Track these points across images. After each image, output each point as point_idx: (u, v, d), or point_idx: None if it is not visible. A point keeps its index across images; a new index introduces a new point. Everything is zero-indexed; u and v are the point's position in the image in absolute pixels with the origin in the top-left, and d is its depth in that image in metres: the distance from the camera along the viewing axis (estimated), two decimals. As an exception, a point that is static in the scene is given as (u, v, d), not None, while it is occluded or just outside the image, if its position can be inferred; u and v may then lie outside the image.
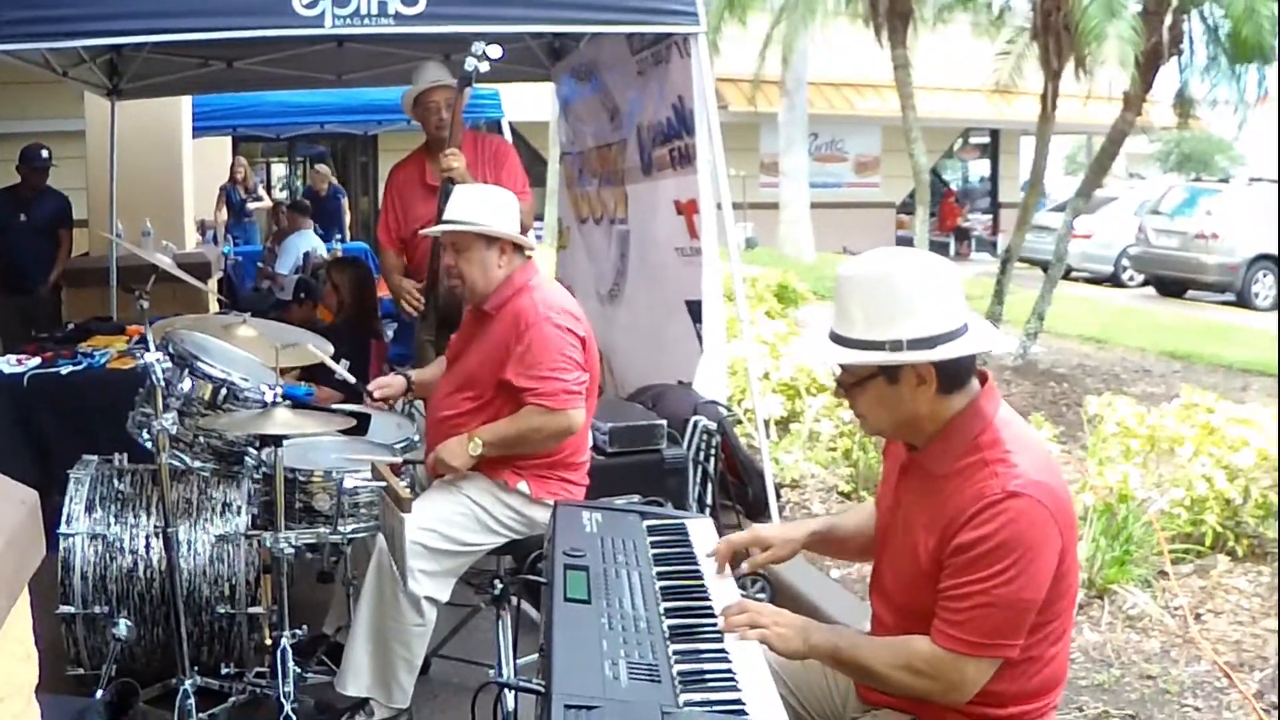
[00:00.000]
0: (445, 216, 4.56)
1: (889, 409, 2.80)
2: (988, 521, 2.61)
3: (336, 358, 4.99)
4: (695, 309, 6.79)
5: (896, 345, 2.69)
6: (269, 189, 15.86)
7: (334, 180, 16.64)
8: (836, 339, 2.80)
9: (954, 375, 2.75)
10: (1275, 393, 9.19)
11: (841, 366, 2.84)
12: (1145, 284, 22.78)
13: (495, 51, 5.68)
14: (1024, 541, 2.60)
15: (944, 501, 2.72)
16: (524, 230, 4.75)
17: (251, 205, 15.59)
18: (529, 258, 4.64)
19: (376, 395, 4.85)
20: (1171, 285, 21.66)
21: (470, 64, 5.68)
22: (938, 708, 2.78)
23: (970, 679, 2.67)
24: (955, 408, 2.77)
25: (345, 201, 16.52)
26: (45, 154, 9.92)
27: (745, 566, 3.18)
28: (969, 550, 2.63)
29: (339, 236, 14.37)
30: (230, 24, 5.86)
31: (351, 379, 4.89)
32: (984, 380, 2.83)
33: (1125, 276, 23.37)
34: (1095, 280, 23.52)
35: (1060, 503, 2.68)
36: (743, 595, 2.99)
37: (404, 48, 8.25)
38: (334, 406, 4.87)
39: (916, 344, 2.68)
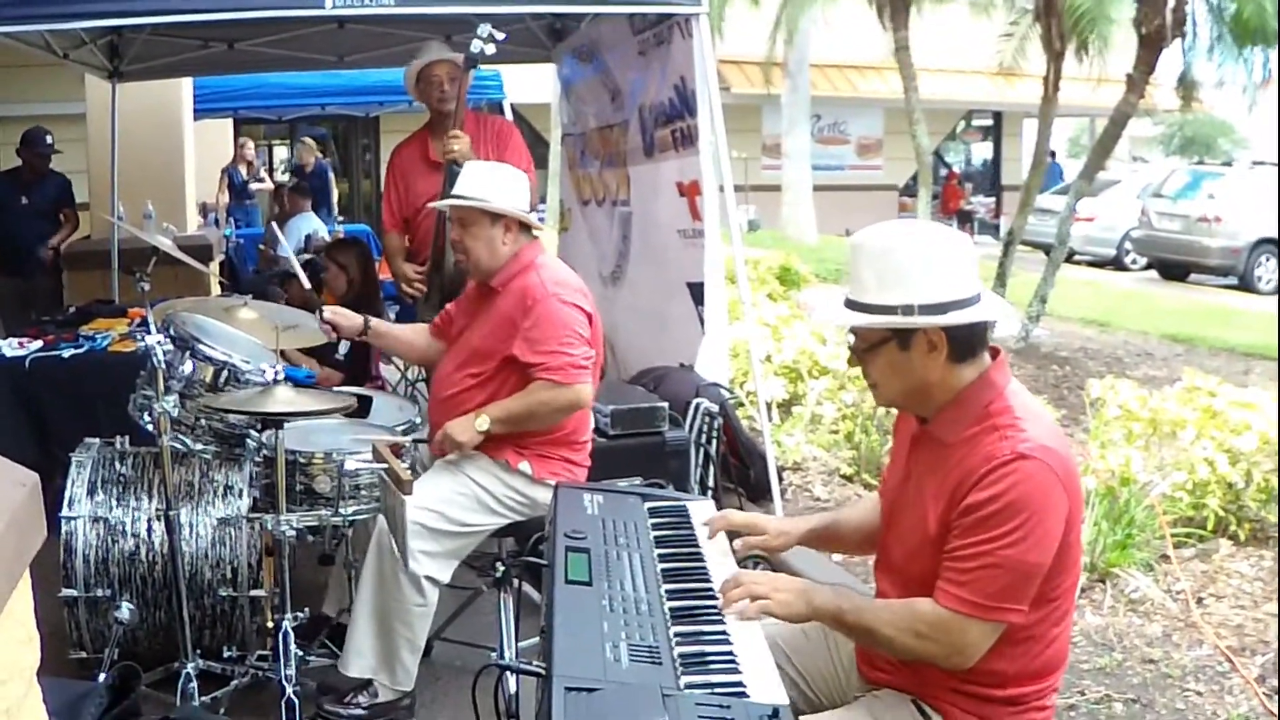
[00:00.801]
0: (455, 191, 4.56)
1: (901, 375, 2.81)
2: (997, 482, 2.62)
3: (341, 338, 4.99)
4: (697, 291, 6.78)
5: (908, 309, 2.70)
6: (270, 171, 15.81)
7: (320, 155, 16.59)
8: (850, 304, 2.82)
9: (966, 344, 2.77)
10: (1276, 376, 9.19)
11: (854, 333, 2.86)
12: (1148, 267, 22.77)
13: (500, 34, 5.67)
14: (1032, 503, 2.60)
15: (954, 467, 2.73)
16: (531, 209, 4.74)
17: (254, 187, 15.57)
18: (535, 237, 4.64)
19: (327, 315, 4.76)
20: (1174, 268, 21.64)
21: (476, 45, 5.67)
22: (938, 688, 2.78)
23: (973, 642, 2.67)
24: (967, 379, 2.78)
25: (332, 176, 16.46)
26: (49, 139, 9.90)
27: (738, 544, 3.17)
28: (977, 510, 2.64)
29: (327, 212, 14.35)
30: (232, 5, 5.85)
31: (306, 283, 4.87)
32: (995, 355, 2.85)
33: (1128, 260, 23.35)
34: (1098, 263, 23.51)
35: (1069, 471, 2.69)
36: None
37: (405, 28, 8.23)
38: (336, 389, 4.85)
39: (928, 309, 2.70)
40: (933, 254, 2.74)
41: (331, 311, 4.81)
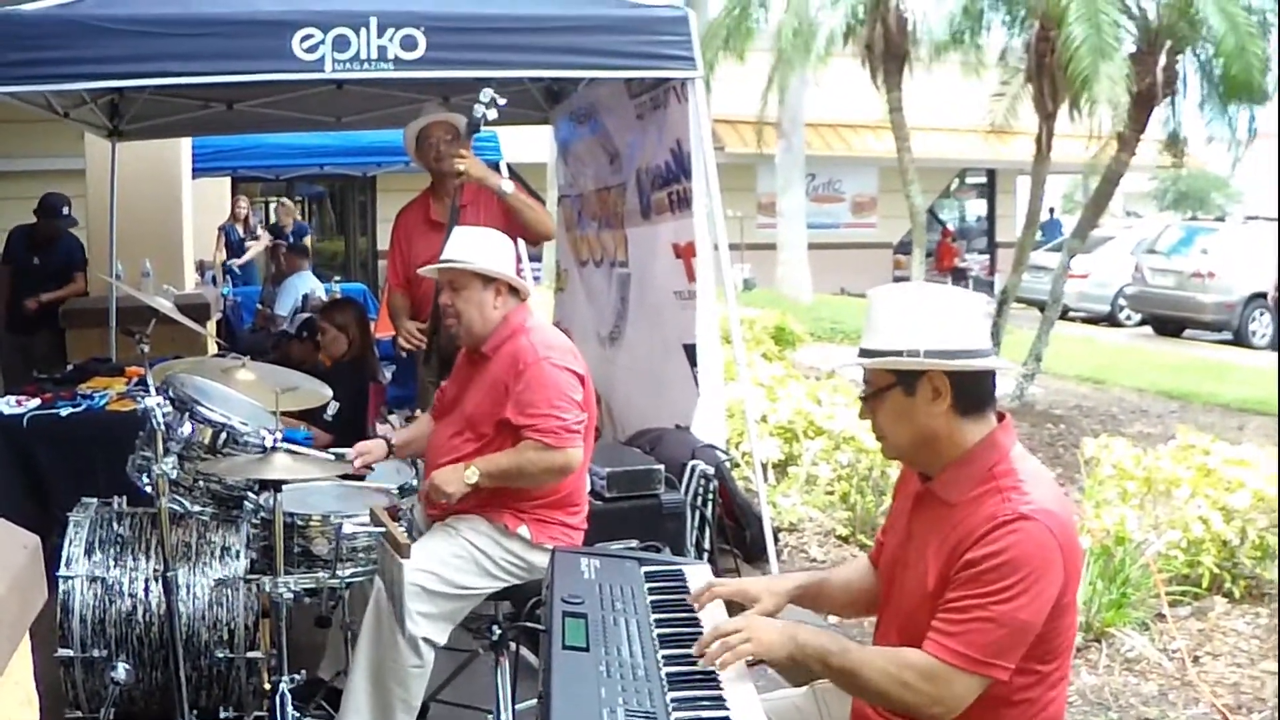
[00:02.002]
0: (444, 256, 4.59)
1: (907, 423, 2.86)
2: (997, 540, 2.66)
3: (340, 398, 5.02)
4: (692, 352, 6.81)
5: (913, 353, 2.77)
6: (270, 229, 15.84)
7: (298, 217, 16.63)
8: (861, 353, 2.89)
9: (971, 396, 2.82)
10: (1273, 433, 9.22)
11: (864, 380, 2.92)
12: (1142, 323, 22.84)
13: (503, 100, 5.73)
14: (1029, 563, 2.63)
15: (955, 525, 2.76)
16: (519, 269, 4.77)
17: (249, 245, 15.60)
18: (524, 301, 4.66)
19: (358, 464, 4.82)
20: (1169, 324, 21.71)
21: (479, 110, 5.72)
22: None
23: (958, 695, 2.68)
24: (973, 437, 2.83)
25: (309, 239, 16.49)
26: (65, 210, 9.91)
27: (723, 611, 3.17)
28: (976, 565, 2.67)
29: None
30: (231, 68, 5.89)
31: (332, 458, 4.87)
32: (1001, 418, 2.89)
33: (1122, 316, 23.42)
34: (1092, 320, 23.56)
35: (1069, 536, 2.72)
36: None
37: (403, 90, 8.29)
38: (333, 451, 4.86)
39: (933, 353, 2.77)
40: (943, 306, 2.83)
41: (358, 455, 4.83)
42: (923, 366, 2.78)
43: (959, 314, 2.83)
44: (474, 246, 4.55)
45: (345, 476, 4.78)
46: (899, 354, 2.79)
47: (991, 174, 31.32)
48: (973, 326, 2.84)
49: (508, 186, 6.09)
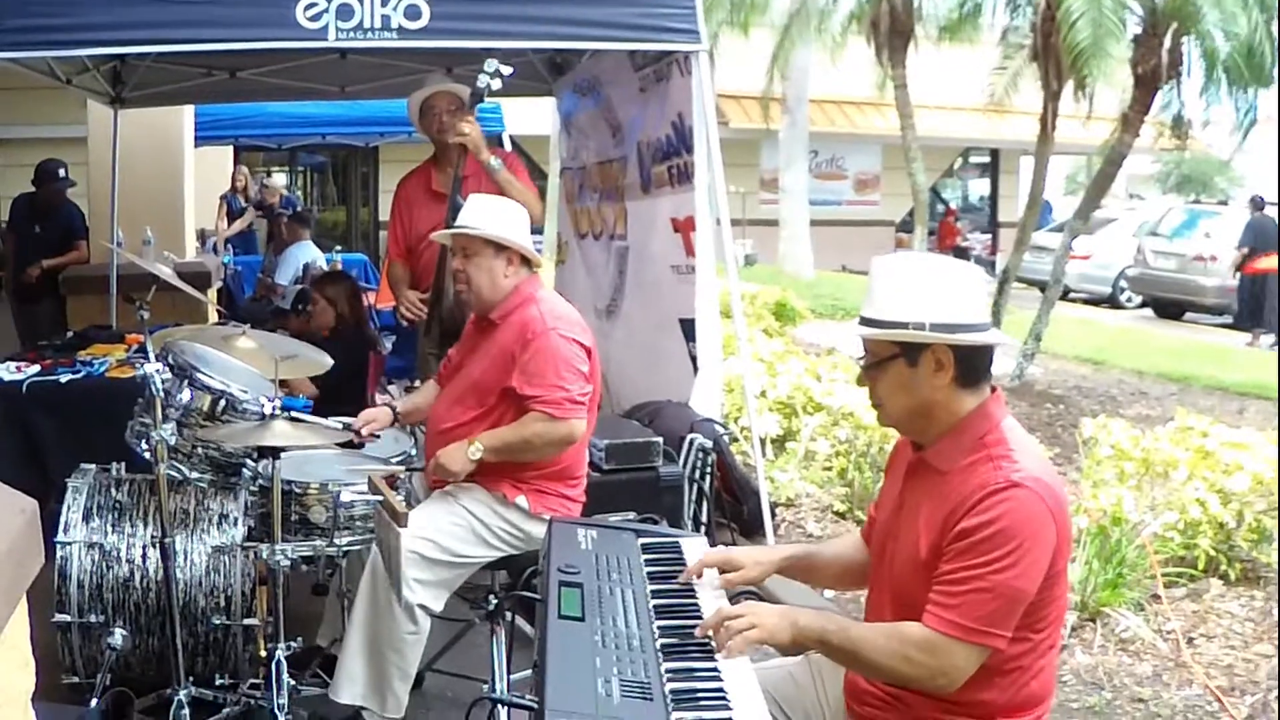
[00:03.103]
0: (459, 221, 4.59)
1: (907, 393, 2.87)
2: (990, 508, 2.68)
3: (336, 368, 5.02)
4: (689, 327, 6.80)
5: (919, 325, 2.78)
6: (256, 206, 15.77)
7: (285, 192, 16.57)
8: (863, 321, 2.89)
9: (971, 369, 2.84)
10: (1274, 415, 9.22)
11: (864, 350, 2.93)
12: (1143, 305, 22.84)
13: (507, 69, 5.72)
14: (1022, 530, 2.66)
15: (947, 494, 2.79)
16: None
17: (245, 218, 15.56)
18: (535, 271, 4.67)
19: (365, 432, 4.84)
20: (1169, 307, 21.70)
21: (483, 80, 5.72)
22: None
23: (959, 666, 2.70)
24: (967, 407, 2.85)
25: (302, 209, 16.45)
26: (62, 172, 9.94)
27: (719, 580, 3.18)
28: (969, 535, 2.69)
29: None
30: (234, 35, 5.89)
31: (339, 426, 4.87)
32: (992, 390, 2.91)
33: (1123, 298, 23.39)
34: (1093, 301, 23.55)
35: (1059, 503, 2.74)
36: None
37: (406, 60, 8.28)
38: (339, 420, 4.86)
39: (939, 327, 2.78)
40: (947, 279, 2.84)
41: (364, 423, 4.83)
42: (928, 340, 2.79)
43: (962, 287, 2.84)
44: (489, 214, 4.55)
45: (344, 445, 4.78)
46: (904, 326, 2.79)
47: (995, 154, 31.29)
48: (975, 299, 2.87)
49: (496, 163, 6.07)
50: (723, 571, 3.17)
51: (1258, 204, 20.67)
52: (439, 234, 5.02)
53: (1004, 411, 2.90)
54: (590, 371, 4.49)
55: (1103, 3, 10.66)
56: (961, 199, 33.48)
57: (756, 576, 3.21)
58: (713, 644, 2.78)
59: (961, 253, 28.97)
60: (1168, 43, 11.60)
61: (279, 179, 17.09)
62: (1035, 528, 2.67)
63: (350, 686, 4.33)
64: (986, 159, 32.12)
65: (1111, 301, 23.50)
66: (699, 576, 3.14)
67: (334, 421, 4.83)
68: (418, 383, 6.27)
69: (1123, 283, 23.36)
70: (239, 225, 15.32)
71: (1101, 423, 7.28)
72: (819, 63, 20.53)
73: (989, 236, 31.30)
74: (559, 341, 4.38)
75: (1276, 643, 5.57)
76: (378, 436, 4.93)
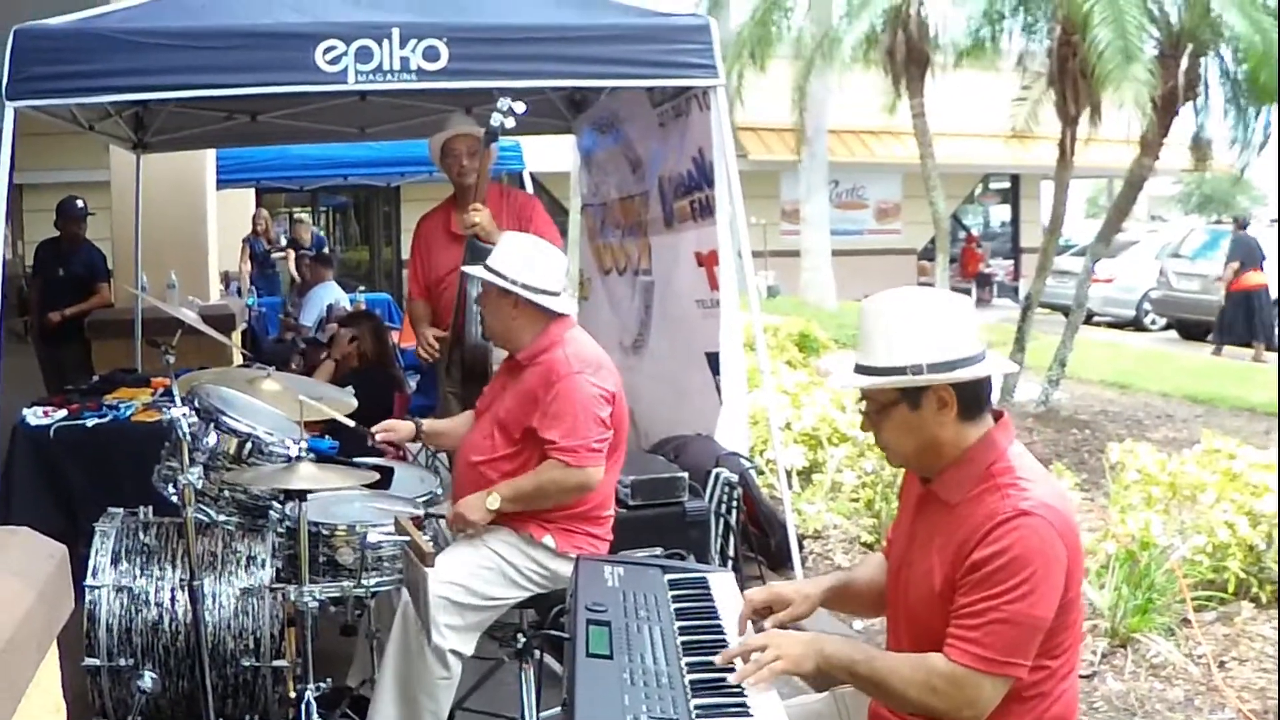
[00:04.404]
0: (487, 263, 4.59)
1: (913, 434, 2.88)
2: (1001, 538, 2.68)
3: (360, 407, 5.04)
4: (715, 361, 6.81)
5: (917, 369, 2.79)
6: (290, 244, 15.96)
7: (316, 230, 16.74)
8: (860, 369, 2.90)
9: (974, 400, 2.85)
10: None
11: (865, 397, 2.94)
12: (1167, 327, 22.78)
13: (520, 107, 5.74)
14: (1035, 559, 2.67)
15: (957, 526, 2.79)
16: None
17: (276, 256, 15.69)
18: (560, 315, 4.64)
19: (380, 437, 4.87)
20: (1193, 328, 21.59)
21: (496, 119, 5.74)
22: None
23: (986, 698, 2.71)
24: (972, 438, 2.86)
25: (326, 249, 16.58)
26: (80, 204, 10.08)
27: (767, 624, 3.17)
28: (983, 567, 2.69)
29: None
30: (255, 80, 5.92)
31: (351, 423, 4.90)
32: (999, 417, 2.92)
33: (1147, 320, 23.35)
34: (1117, 324, 23.50)
35: (1069, 527, 2.75)
36: None
37: (426, 101, 8.32)
38: (357, 460, 4.89)
39: (936, 367, 2.78)
40: (937, 315, 2.84)
41: (382, 430, 4.87)
42: (929, 382, 2.80)
43: (953, 320, 2.85)
44: (510, 257, 4.54)
45: (370, 486, 4.80)
46: (902, 371, 2.80)
47: (1015, 179, 31.28)
48: (967, 331, 2.86)
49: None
50: (771, 609, 3.16)
51: (1241, 223, 21.00)
52: (470, 269, 5.02)
53: (1010, 438, 2.90)
54: (613, 416, 4.50)
55: (1124, 25, 10.64)
56: (983, 225, 33.50)
57: (806, 612, 3.21)
58: (732, 680, 2.77)
59: (984, 279, 29.00)
60: (1185, 64, 11.60)
61: (307, 216, 17.25)
62: (1047, 555, 2.68)
63: (383, 729, 4.34)
64: (1007, 184, 32.11)
65: (1136, 324, 23.45)
66: (751, 623, 3.12)
67: (361, 461, 4.85)
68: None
69: (1146, 305, 23.32)
70: (281, 263, 15.48)
71: (1128, 447, 7.26)
72: (836, 93, 20.58)
73: (1011, 262, 31.28)
74: (582, 386, 4.38)
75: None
76: (401, 453, 4.94)
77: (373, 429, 4.87)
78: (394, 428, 4.93)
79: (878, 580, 3.28)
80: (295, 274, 14.87)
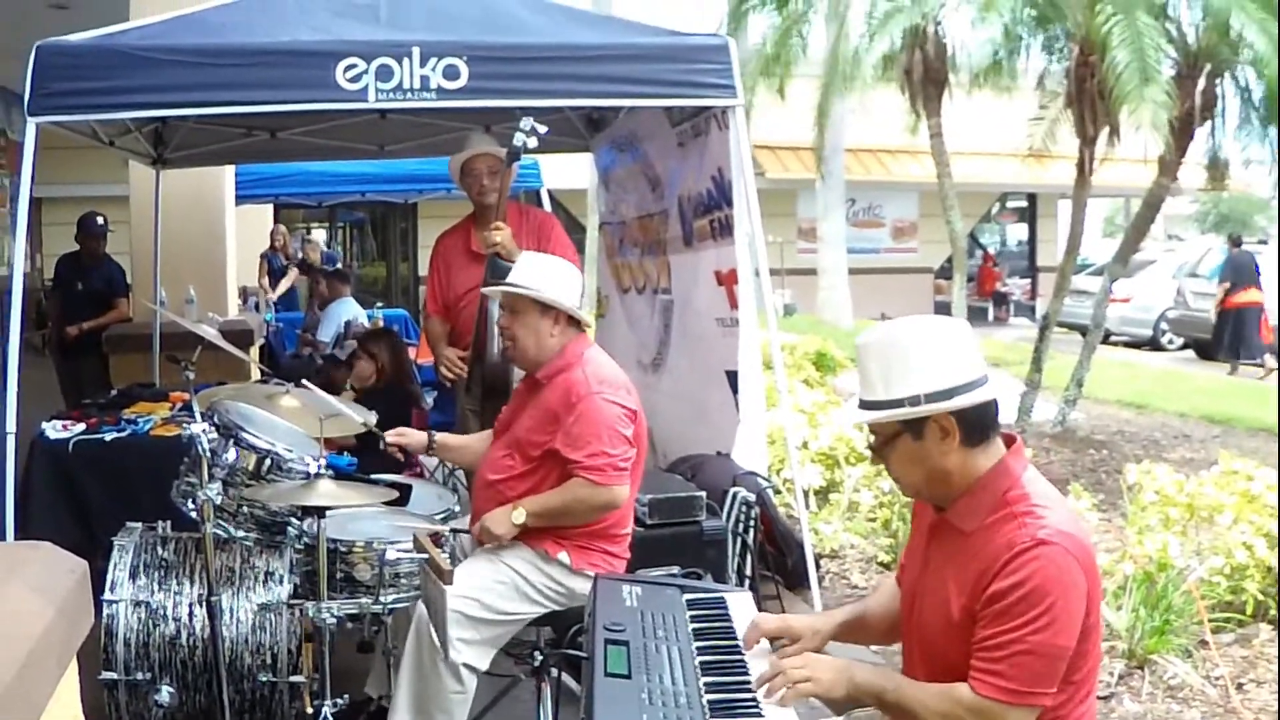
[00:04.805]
0: (508, 279, 4.62)
1: (919, 464, 2.89)
2: (1019, 569, 2.69)
3: (378, 423, 5.05)
4: (734, 379, 6.81)
5: (915, 400, 2.81)
6: (299, 265, 15.99)
7: (326, 249, 16.78)
8: (862, 404, 2.93)
9: (977, 426, 2.86)
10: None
11: (870, 431, 2.97)
12: (1184, 347, 22.71)
13: (543, 128, 5.76)
14: (1055, 588, 2.67)
15: (973, 556, 2.80)
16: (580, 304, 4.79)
17: (287, 277, 15.73)
18: (583, 331, 4.68)
19: (391, 440, 4.88)
20: (1211, 348, 21.52)
21: (519, 139, 5.75)
22: None
23: None
24: (983, 466, 2.86)
25: (340, 265, 16.64)
26: (100, 220, 10.15)
27: (774, 656, 3.18)
28: (1003, 598, 2.70)
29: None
30: (275, 97, 5.95)
31: (369, 424, 4.91)
32: (1010, 442, 2.93)
33: (1165, 340, 23.31)
34: (1135, 344, 23.44)
35: (1086, 555, 2.76)
36: None
37: (446, 119, 8.35)
38: (375, 477, 4.90)
39: (934, 396, 2.80)
40: (933, 344, 2.86)
41: (394, 435, 4.89)
42: (927, 413, 2.81)
43: (950, 347, 2.86)
44: (539, 273, 4.57)
45: (389, 503, 4.81)
46: (900, 404, 2.82)
47: (1032, 198, 31.24)
48: (966, 356, 2.87)
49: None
50: (779, 640, 3.17)
51: (1235, 241, 21.22)
52: (490, 289, 5.04)
53: (1024, 464, 2.91)
54: (635, 434, 4.51)
55: (1142, 46, 10.63)
56: (1000, 244, 33.45)
57: (815, 647, 3.22)
58: (759, 702, 2.77)
59: (1001, 298, 28.94)
60: (1202, 83, 11.59)
61: (318, 235, 17.32)
62: (1066, 583, 2.68)
63: (399, 747, 4.35)
64: (1024, 203, 32.08)
65: (1153, 344, 23.40)
66: (753, 646, 3.13)
67: (379, 478, 4.86)
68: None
69: (1164, 325, 23.29)
70: (285, 285, 15.49)
71: (1145, 468, 7.23)
72: (854, 111, 20.60)
73: (1028, 281, 31.24)
74: (603, 405, 4.40)
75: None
76: (419, 471, 4.94)
77: (387, 435, 4.88)
78: (407, 434, 4.95)
79: (891, 609, 3.29)
80: (309, 290, 14.93)
